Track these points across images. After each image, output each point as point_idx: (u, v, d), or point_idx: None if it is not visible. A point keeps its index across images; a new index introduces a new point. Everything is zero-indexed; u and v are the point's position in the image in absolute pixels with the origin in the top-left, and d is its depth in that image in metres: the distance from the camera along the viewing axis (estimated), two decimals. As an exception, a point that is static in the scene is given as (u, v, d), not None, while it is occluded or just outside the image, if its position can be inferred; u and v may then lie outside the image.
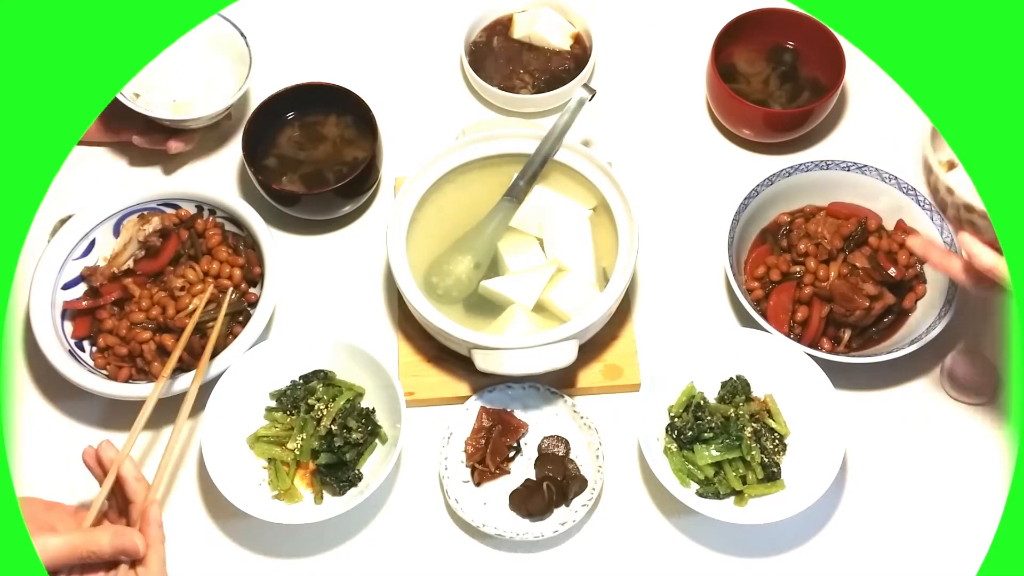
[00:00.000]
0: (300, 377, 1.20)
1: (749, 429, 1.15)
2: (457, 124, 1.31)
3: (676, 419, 1.17)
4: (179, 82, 1.34)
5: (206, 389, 1.15)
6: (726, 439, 1.15)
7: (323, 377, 1.19)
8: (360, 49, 1.47)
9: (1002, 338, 1.25)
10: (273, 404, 1.19)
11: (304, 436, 1.15)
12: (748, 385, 1.19)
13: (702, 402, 1.18)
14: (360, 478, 1.15)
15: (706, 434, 1.15)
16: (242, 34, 1.34)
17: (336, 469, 1.15)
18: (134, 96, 1.31)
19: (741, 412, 1.17)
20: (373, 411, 1.18)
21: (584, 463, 1.17)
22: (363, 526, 1.16)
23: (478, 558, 1.14)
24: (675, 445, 1.16)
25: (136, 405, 1.19)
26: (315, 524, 1.11)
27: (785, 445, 1.17)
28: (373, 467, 1.16)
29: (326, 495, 1.15)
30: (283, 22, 1.49)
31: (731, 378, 1.20)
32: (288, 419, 1.18)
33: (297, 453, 1.15)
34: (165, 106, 1.32)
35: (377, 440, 1.17)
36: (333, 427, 1.15)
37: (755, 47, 1.40)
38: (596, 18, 1.42)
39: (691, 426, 1.15)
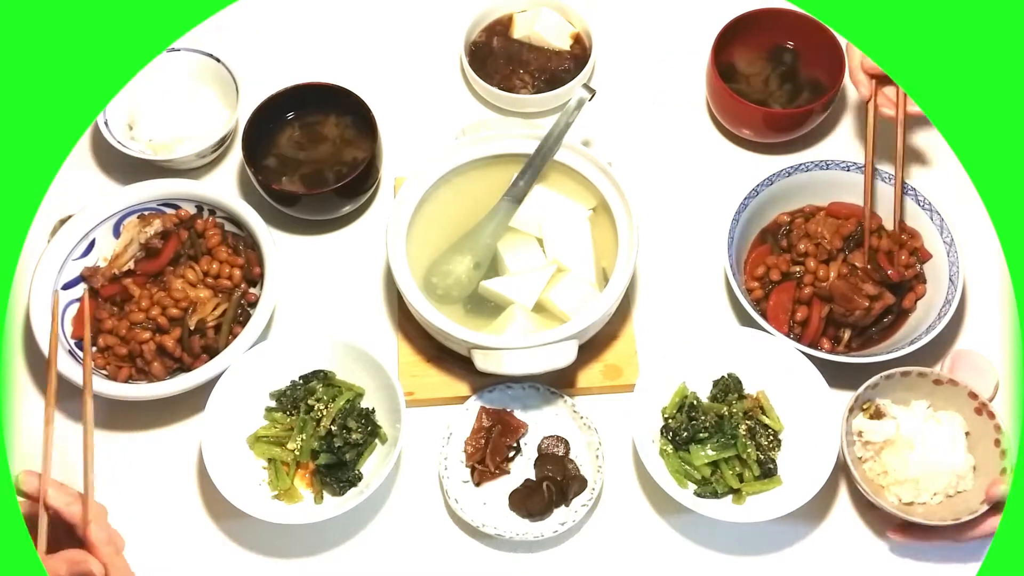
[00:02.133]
0: (300, 377, 1.20)
1: (743, 427, 1.15)
2: (457, 124, 1.31)
3: (670, 420, 1.17)
4: (167, 121, 1.34)
5: (206, 389, 1.15)
6: (721, 438, 1.15)
7: (323, 377, 1.19)
8: (360, 49, 1.47)
9: (1002, 338, 1.25)
10: (273, 404, 1.19)
11: (304, 436, 1.15)
12: (740, 383, 1.19)
13: (695, 402, 1.18)
14: (360, 478, 1.15)
15: (701, 434, 1.15)
16: (227, 67, 1.34)
17: (336, 469, 1.15)
18: (128, 128, 1.33)
19: (735, 410, 1.17)
20: (373, 411, 1.18)
21: (584, 463, 1.17)
22: (363, 526, 1.16)
23: (478, 558, 1.15)
24: (671, 447, 1.16)
25: (137, 405, 1.19)
26: (315, 524, 1.11)
27: (780, 441, 1.17)
28: (373, 467, 1.16)
29: (326, 495, 1.15)
30: (283, 22, 1.49)
31: (722, 376, 1.20)
32: (288, 419, 1.18)
33: (297, 453, 1.15)
34: (151, 142, 1.33)
35: (377, 440, 1.17)
36: (333, 427, 1.15)
37: (755, 47, 1.40)
38: (596, 18, 1.42)
39: (685, 427, 1.15)
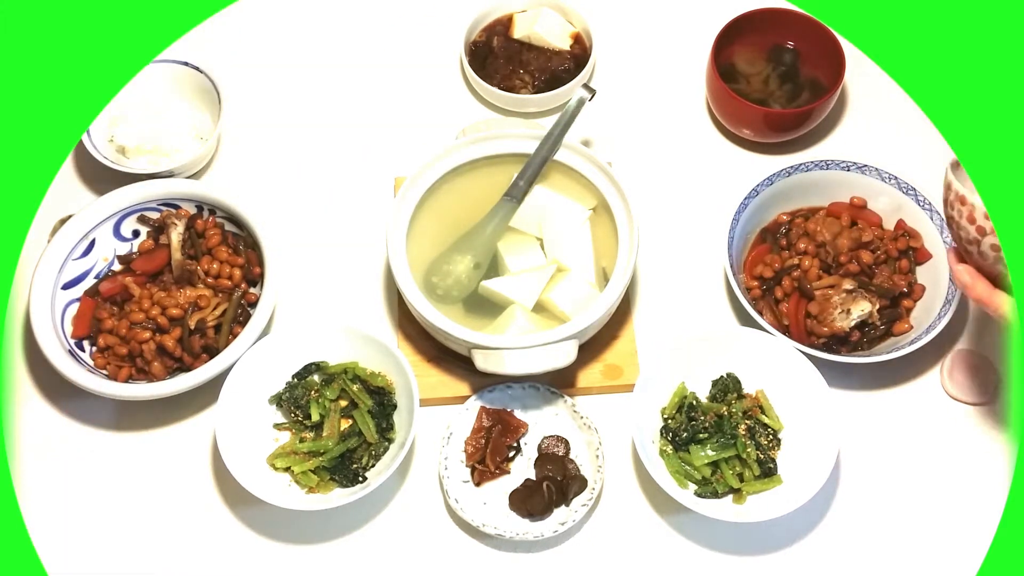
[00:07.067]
0: (293, 376, 1.19)
1: (743, 426, 1.15)
2: (457, 124, 1.31)
3: (670, 421, 1.17)
4: (145, 131, 1.31)
5: (207, 388, 1.16)
6: (721, 438, 1.15)
7: (316, 369, 1.19)
8: (360, 49, 1.47)
9: (1002, 339, 1.25)
10: (277, 414, 1.19)
11: (322, 435, 1.15)
12: (739, 382, 1.19)
13: (694, 402, 1.18)
14: (365, 473, 1.15)
15: (701, 435, 1.15)
16: (209, 77, 1.32)
17: (344, 464, 1.15)
18: (109, 142, 1.31)
19: (734, 410, 1.17)
20: (395, 408, 1.17)
21: (584, 463, 1.17)
22: (363, 525, 1.16)
23: (478, 558, 1.14)
24: (671, 447, 1.16)
25: (136, 405, 1.20)
26: (316, 523, 1.11)
27: (779, 440, 1.17)
28: (379, 466, 1.16)
29: (331, 488, 1.15)
30: (282, 22, 1.49)
31: (721, 376, 1.20)
32: (300, 428, 1.17)
33: (319, 458, 1.14)
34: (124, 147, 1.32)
35: (386, 440, 1.17)
36: (347, 425, 1.16)
37: (755, 47, 1.40)
38: (596, 18, 1.42)
39: (685, 427, 1.15)
